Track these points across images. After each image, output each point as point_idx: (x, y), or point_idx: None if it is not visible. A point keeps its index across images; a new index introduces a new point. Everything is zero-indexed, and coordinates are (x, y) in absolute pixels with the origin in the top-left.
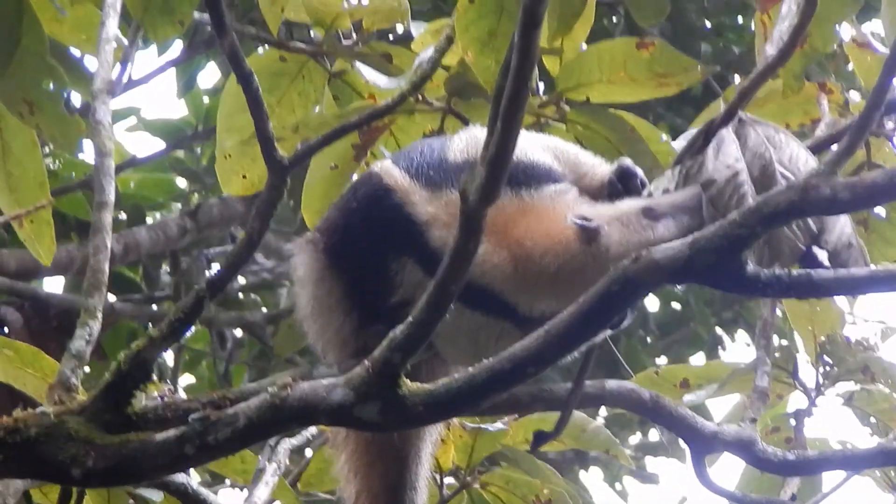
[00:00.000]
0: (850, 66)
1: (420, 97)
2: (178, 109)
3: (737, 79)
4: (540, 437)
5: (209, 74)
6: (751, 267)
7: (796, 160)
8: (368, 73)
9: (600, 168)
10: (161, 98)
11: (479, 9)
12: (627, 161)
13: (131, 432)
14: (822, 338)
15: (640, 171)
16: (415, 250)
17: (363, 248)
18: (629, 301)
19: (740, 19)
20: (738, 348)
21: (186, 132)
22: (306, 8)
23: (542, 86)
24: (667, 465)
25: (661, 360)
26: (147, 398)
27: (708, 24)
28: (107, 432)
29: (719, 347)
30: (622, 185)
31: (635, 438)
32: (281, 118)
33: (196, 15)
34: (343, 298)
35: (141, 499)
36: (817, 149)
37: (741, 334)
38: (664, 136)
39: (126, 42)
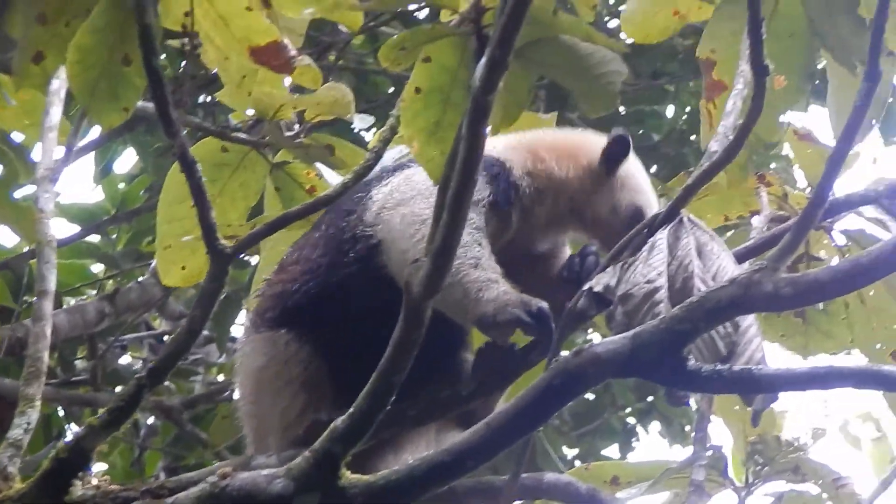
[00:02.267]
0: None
1: None
2: (93, 195)
3: (654, 168)
4: None
5: (125, 160)
6: (692, 362)
7: (723, 274)
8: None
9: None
10: (77, 182)
11: (424, 99)
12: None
13: None
14: (754, 437)
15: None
16: None
17: None
18: (571, 395)
19: (657, 107)
20: (653, 439)
21: (102, 217)
22: (251, 99)
23: None
24: None
25: (574, 452)
26: (84, 486)
27: (626, 109)
28: None
29: (633, 439)
30: (580, 258)
31: None
32: (222, 208)
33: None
34: (292, 379)
35: None
36: (759, 249)
37: (654, 425)
38: None
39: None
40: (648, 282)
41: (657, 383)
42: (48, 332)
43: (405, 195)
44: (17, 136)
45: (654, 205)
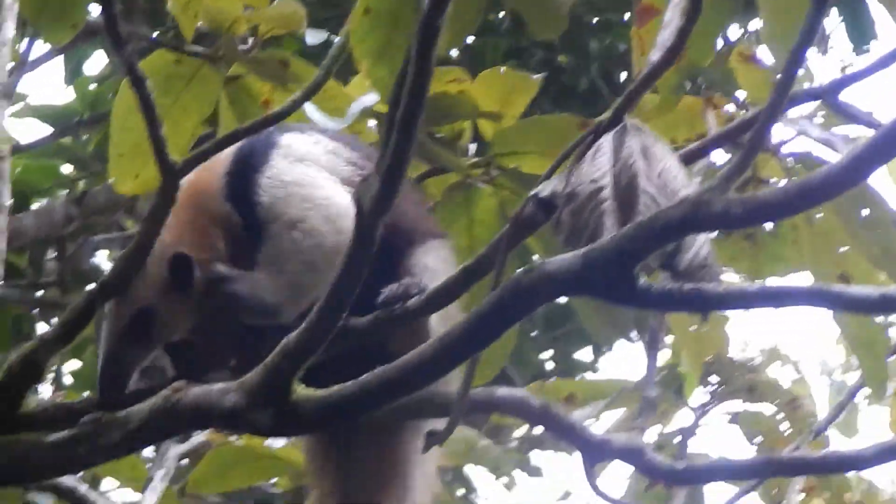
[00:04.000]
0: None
1: None
2: (64, 96)
3: (623, 76)
4: (431, 437)
5: (96, 61)
6: (643, 281)
7: (667, 174)
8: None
9: None
10: (48, 83)
11: (373, 20)
12: None
13: (22, 433)
14: (709, 357)
15: None
16: None
17: None
18: (522, 311)
19: (626, 16)
20: (624, 343)
21: (73, 118)
22: (204, 12)
23: (473, 147)
24: (552, 458)
25: (547, 354)
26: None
27: (594, 19)
28: None
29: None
30: None
31: (520, 431)
32: (175, 120)
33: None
34: None
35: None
36: (706, 149)
37: None
38: None
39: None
40: (593, 181)
41: (608, 302)
42: (3, 245)
43: None
44: None
45: None
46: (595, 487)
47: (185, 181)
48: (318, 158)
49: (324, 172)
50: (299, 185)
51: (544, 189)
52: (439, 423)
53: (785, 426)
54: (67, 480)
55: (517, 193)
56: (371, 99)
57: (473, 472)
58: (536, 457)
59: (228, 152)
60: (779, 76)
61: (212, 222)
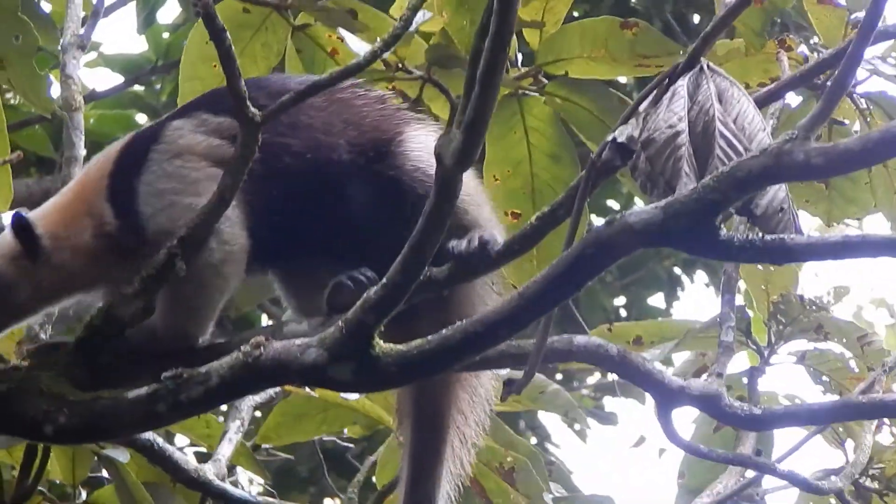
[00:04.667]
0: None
1: (400, 65)
2: (138, 45)
3: (696, 18)
4: (509, 385)
5: (169, 10)
6: (724, 231)
7: (743, 118)
8: (348, 37)
9: None
10: (121, 32)
11: None
12: None
13: (103, 389)
14: (776, 297)
15: None
16: None
17: None
18: (603, 264)
19: None
20: (697, 288)
21: (146, 67)
22: None
23: (520, 57)
24: (625, 405)
25: (620, 301)
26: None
27: None
28: (78, 388)
29: (678, 288)
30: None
31: (593, 378)
32: (244, 68)
33: None
34: None
35: (106, 458)
36: (779, 93)
37: (700, 275)
38: None
39: None
40: (670, 126)
41: (689, 253)
42: None
43: None
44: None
45: None
46: (670, 434)
47: (94, 159)
48: (195, 147)
49: (203, 164)
50: (176, 192)
51: (621, 134)
52: None
53: (853, 365)
54: (144, 435)
55: (568, 100)
56: (420, 17)
57: (546, 417)
58: (609, 404)
59: (117, 146)
60: (863, 15)
61: (87, 212)
